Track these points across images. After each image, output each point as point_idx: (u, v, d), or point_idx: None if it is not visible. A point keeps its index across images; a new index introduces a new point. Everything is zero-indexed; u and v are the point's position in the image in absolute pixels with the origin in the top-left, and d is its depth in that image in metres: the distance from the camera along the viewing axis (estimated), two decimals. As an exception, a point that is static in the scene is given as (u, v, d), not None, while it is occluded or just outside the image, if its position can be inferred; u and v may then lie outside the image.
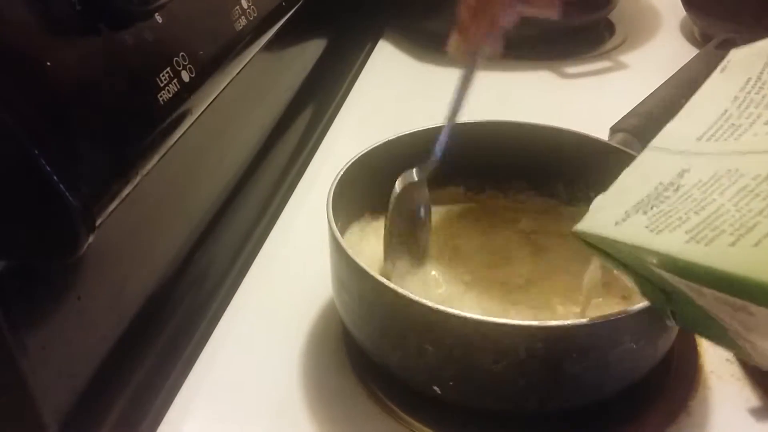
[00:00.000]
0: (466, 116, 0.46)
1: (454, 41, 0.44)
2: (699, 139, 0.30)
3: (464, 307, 0.37)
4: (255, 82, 0.61)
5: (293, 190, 0.61)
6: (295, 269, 0.52)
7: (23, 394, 0.33)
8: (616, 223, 0.30)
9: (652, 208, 0.28)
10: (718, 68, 0.32)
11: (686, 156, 0.29)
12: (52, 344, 0.35)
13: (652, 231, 0.27)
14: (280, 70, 0.70)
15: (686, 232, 0.26)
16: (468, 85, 0.44)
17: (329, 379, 0.43)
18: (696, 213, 0.26)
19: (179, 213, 0.50)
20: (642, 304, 0.34)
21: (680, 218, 0.26)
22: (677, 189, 0.28)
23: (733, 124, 0.29)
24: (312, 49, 0.80)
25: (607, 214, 0.31)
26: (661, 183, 0.29)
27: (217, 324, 0.47)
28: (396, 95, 0.77)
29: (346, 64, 0.82)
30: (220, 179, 0.57)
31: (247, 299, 0.49)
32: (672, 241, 0.26)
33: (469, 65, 0.44)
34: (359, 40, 0.88)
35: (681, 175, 0.29)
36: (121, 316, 0.42)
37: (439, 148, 0.45)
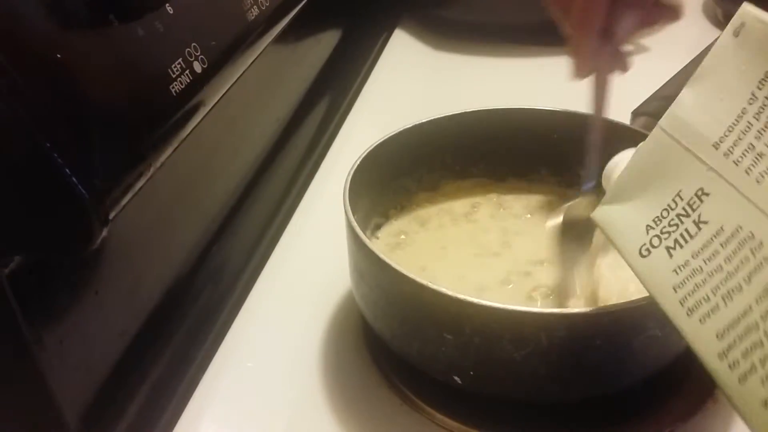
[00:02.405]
0: (483, 104, 0.45)
1: (571, 65, 0.40)
2: (716, 146, 0.28)
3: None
4: (269, 73, 0.60)
5: (310, 182, 0.60)
6: (313, 261, 0.52)
7: (42, 389, 0.33)
8: (641, 255, 0.30)
9: (675, 245, 0.28)
10: (730, 29, 0.30)
11: (704, 169, 0.28)
12: (70, 339, 0.35)
13: (682, 304, 0.27)
14: (295, 61, 0.69)
15: (717, 337, 0.26)
16: (601, 107, 0.41)
17: (349, 370, 0.42)
18: (724, 301, 0.26)
19: (195, 207, 0.50)
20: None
21: (707, 298, 0.26)
22: (698, 224, 0.28)
23: (752, 146, 0.27)
24: (327, 39, 0.79)
25: (629, 222, 0.31)
26: (679, 196, 0.29)
27: (234, 319, 0.47)
28: (412, 84, 0.76)
29: (361, 54, 0.82)
30: (236, 172, 0.57)
31: (264, 293, 0.49)
32: (704, 340, 0.26)
33: (597, 88, 0.41)
34: (375, 29, 0.88)
35: (700, 197, 0.28)
36: (139, 310, 0.42)
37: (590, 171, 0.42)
